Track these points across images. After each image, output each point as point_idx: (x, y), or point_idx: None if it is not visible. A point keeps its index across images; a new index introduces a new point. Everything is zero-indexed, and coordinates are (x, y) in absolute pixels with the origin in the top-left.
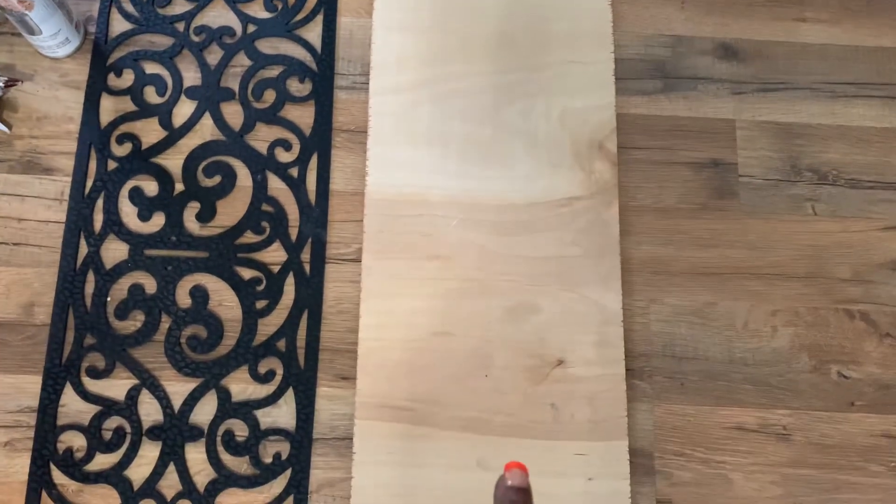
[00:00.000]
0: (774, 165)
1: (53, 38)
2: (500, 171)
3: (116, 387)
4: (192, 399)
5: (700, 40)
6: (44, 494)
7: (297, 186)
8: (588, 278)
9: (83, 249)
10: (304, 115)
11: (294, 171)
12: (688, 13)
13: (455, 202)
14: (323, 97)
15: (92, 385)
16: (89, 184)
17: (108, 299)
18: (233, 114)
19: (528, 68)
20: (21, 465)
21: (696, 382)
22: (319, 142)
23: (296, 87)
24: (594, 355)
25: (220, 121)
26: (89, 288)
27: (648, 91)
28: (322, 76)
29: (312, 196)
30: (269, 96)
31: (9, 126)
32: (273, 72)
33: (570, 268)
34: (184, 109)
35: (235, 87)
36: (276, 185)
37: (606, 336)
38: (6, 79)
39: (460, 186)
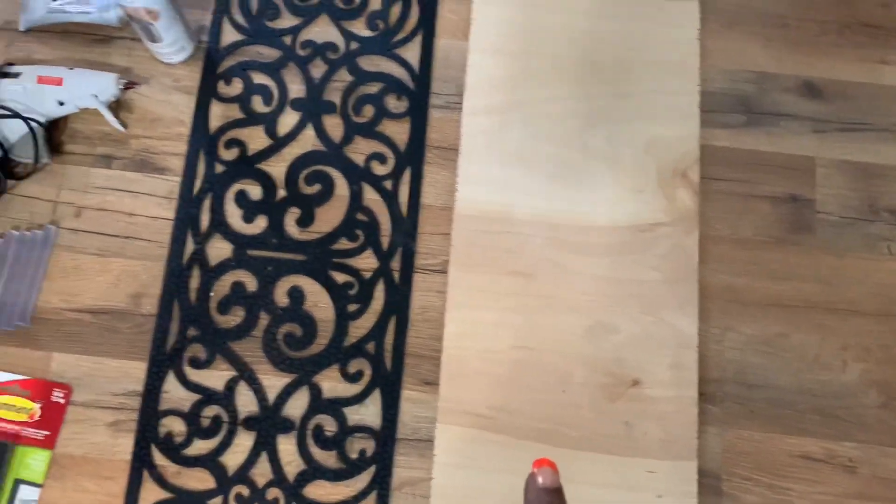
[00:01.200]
0: (852, 204)
1: (171, 46)
2: (584, 194)
3: (216, 377)
4: (286, 393)
5: (784, 77)
6: (145, 473)
7: (390, 198)
8: (666, 302)
9: (189, 246)
10: (399, 131)
11: (388, 184)
12: (773, 51)
13: (540, 221)
14: (418, 115)
15: (193, 374)
16: (197, 184)
17: (212, 294)
18: (333, 126)
19: (615, 95)
20: (125, 444)
21: (765, 410)
22: (413, 157)
23: (393, 103)
24: (668, 377)
25: (321, 132)
26: (194, 283)
27: (732, 124)
28: (418, 95)
29: (404, 208)
30: (368, 111)
31: (125, 126)
32: (372, 88)
33: (649, 291)
34: (288, 119)
35: (337, 100)
36: (370, 196)
37: (681, 359)
38: (126, 81)
39: (545, 206)
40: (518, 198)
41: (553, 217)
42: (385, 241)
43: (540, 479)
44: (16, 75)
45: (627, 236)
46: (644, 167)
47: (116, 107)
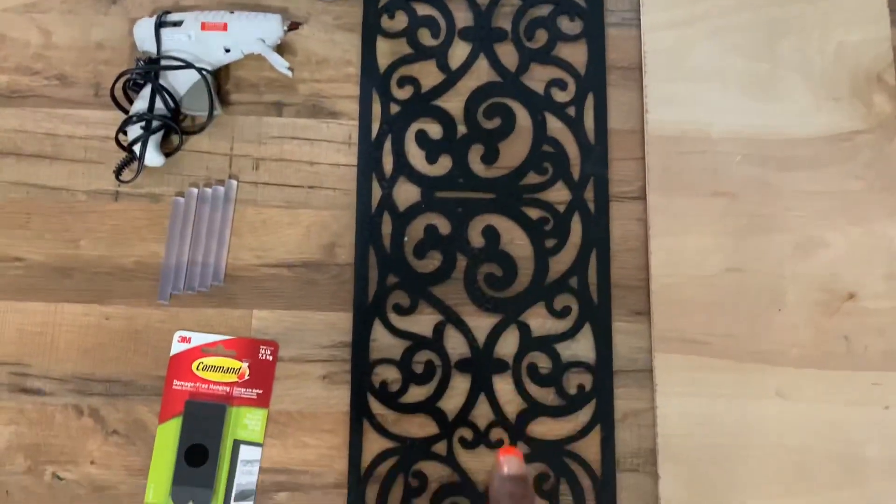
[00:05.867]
0: None
1: None
2: (779, 106)
3: (422, 322)
4: (495, 333)
5: None
6: (366, 423)
7: (575, 126)
8: (874, 212)
9: (377, 192)
10: (576, 54)
11: (571, 111)
12: None
13: (737, 138)
14: (594, 35)
15: (399, 321)
16: (375, 127)
17: (406, 239)
18: (507, 54)
19: (801, 1)
20: (340, 396)
21: None
22: (594, 80)
23: (566, 25)
24: (884, 288)
25: (495, 62)
26: (386, 228)
27: None
28: (591, 13)
29: (591, 135)
30: (541, 35)
31: (292, 70)
32: (543, 10)
33: (855, 202)
34: (458, 51)
35: (507, 26)
36: (554, 125)
37: (895, 269)
38: (290, 22)
39: (741, 122)
40: (711, 115)
41: (750, 132)
42: (575, 172)
43: (505, 469)
44: (178, 23)
45: (828, 147)
46: (837, 74)
47: (280, 50)
